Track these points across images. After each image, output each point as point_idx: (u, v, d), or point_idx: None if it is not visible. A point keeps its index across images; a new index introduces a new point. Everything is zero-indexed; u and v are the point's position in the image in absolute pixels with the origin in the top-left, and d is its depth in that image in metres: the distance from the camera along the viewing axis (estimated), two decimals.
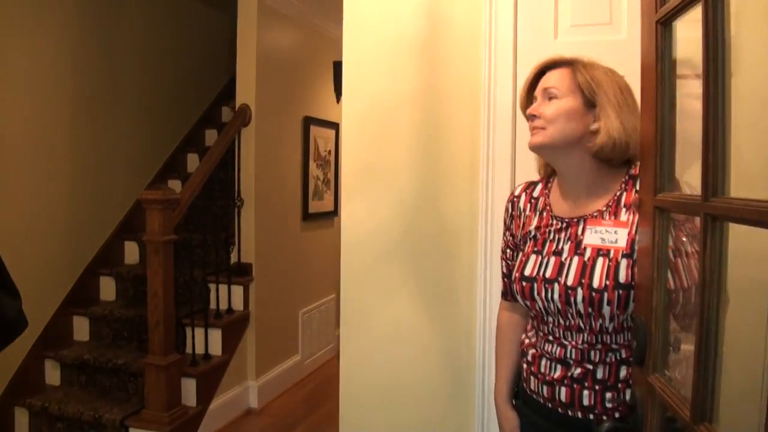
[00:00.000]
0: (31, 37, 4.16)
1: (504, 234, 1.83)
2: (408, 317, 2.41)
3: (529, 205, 1.75)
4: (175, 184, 5.35)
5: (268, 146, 4.61)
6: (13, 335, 1.98)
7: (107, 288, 4.78)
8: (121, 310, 4.43)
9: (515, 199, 1.80)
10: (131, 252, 5.02)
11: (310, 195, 5.21)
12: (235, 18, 4.51)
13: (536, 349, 1.66)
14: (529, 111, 1.66)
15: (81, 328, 4.53)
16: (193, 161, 5.69)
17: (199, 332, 4.13)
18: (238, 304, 4.44)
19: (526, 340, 1.73)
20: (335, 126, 5.62)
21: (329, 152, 5.53)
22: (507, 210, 1.82)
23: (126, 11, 5.01)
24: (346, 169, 2.47)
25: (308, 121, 5.14)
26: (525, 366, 1.71)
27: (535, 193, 1.77)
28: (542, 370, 1.62)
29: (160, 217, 3.66)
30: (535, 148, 1.65)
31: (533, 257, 1.64)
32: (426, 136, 2.39)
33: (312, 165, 5.23)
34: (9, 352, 3.92)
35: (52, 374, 4.31)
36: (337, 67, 5.59)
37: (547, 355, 1.61)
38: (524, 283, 1.63)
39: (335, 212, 5.65)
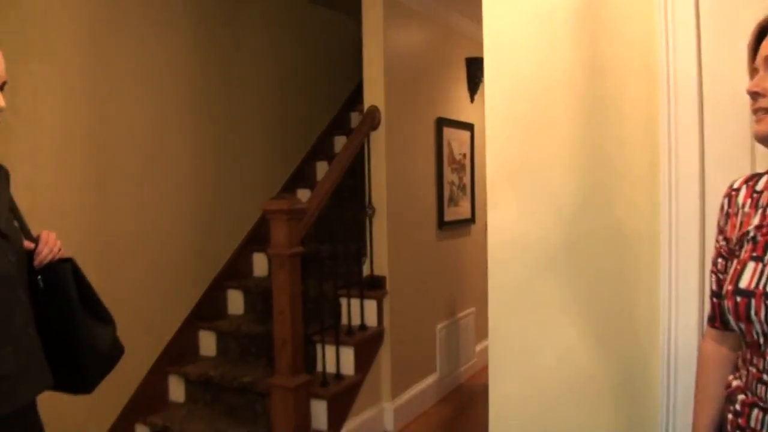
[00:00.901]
0: (152, 47, 4.07)
1: (716, 239, 1.40)
2: (570, 346, 1.98)
3: (749, 201, 1.32)
4: (304, 194, 5.15)
5: (399, 150, 4.30)
6: (110, 365, 1.86)
7: (235, 301, 4.62)
8: (248, 325, 4.24)
9: (733, 193, 1.38)
10: (260, 264, 4.84)
11: (446, 202, 4.86)
12: (360, 20, 4.24)
13: (747, 395, 1.23)
14: (748, 88, 1.24)
15: (207, 342, 4.39)
16: (322, 169, 5.47)
17: (330, 350, 3.86)
18: (371, 320, 4.14)
19: (734, 381, 1.30)
20: (470, 127, 5.25)
21: (464, 155, 5.16)
22: (722, 208, 1.40)
23: (247, 19, 4.87)
24: (492, 172, 2.08)
25: (441, 123, 4.80)
26: (730, 416, 1.27)
27: (759, 186, 1.33)
28: (752, 424, 1.20)
29: (286, 228, 3.41)
30: (763, 139, 1.23)
31: (751, 265, 1.22)
32: (587, 126, 1.96)
33: (447, 169, 4.88)
34: (132, 366, 3.87)
35: (177, 390, 4.18)
36: (470, 63, 5.24)
37: (762, 404, 1.19)
38: (738, 299, 1.20)
39: (472, 219, 5.28)
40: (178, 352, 4.24)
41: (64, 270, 1.77)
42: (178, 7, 4.27)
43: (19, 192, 3.30)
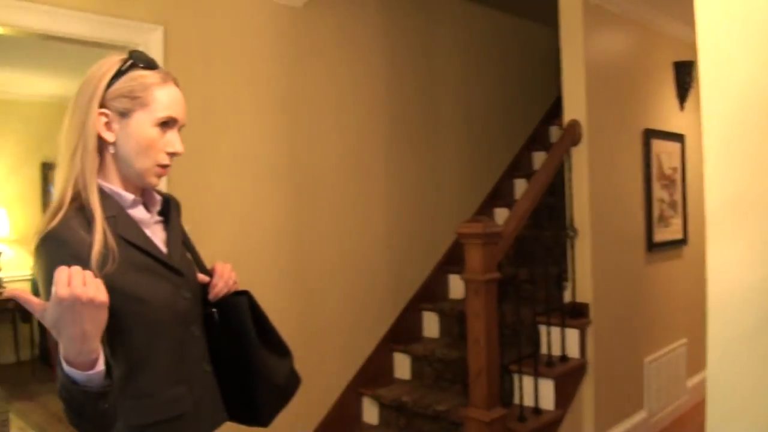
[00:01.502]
0: (342, 69, 4.10)
1: None
2: None
3: None
4: (502, 213, 4.97)
5: (602, 166, 3.99)
6: (286, 398, 1.80)
7: (430, 324, 4.52)
8: (443, 350, 4.10)
9: None
10: (456, 286, 4.71)
11: (655, 221, 4.45)
12: (558, 29, 3.99)
13: None
14: None
15: (402, 365, 4.33)
16: (521, 187, 5.26)
17: (528, 381, 3.62)
18: (572, 350, 3.84)
19: None
20: (680, 138, 4.79)
21: (674, 169, 4.72)
22: None
23: (439, 36, 4.80)
24: (712, 197, 1.72)
25: (649, 135, 4.41)
26: None
27: None
28: None
29: (481, 253, 3.24)
30: None
31: None
32: None
33: (655, 185, 4.47)
34: (327, 386, 3.86)
35: (370, 413, 4.16)
36: (679, 68, 4.79)
37: None
38: None
39: (684, 240, 4.80)
40: (372, 374, 4.21)
41: (240, 303, 1.72)
42: (371, 39, 4.30)
43: (225, 220, 3.46)
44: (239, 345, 1.69)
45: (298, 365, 3.44)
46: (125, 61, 1.47)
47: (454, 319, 4.33)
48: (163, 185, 3.15)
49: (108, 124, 1.45)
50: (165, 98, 1.48)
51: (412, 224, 4.54)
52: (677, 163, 4.75)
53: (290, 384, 1.82)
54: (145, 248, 1.48)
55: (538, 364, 3.63)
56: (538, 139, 5.63)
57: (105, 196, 1.45)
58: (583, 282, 3.88)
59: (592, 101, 3.88)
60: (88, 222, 1.38)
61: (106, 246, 1.36)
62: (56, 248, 1.34)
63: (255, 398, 1.72)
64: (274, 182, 3.74)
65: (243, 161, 3.59)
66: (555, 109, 5.46)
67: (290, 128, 3.81)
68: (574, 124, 3.84)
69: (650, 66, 4.56)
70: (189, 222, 3.26)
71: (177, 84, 1.53)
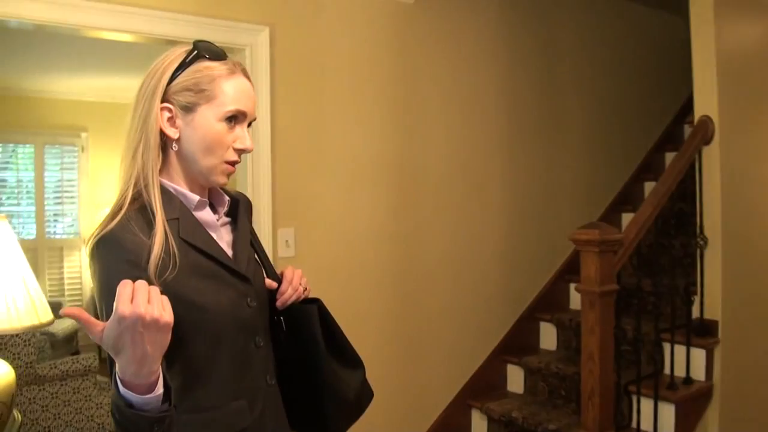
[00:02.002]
0: (453, 66, 3.94)
1: None
2: None
3: None
4: (628, 218, 4.62)
5: (736, 167, 3.60)
6: (357, 412, 1.65)
7: (547, 336, 4.28)
8: (559, 364, 3.85)
9: None
10: (578, 296, 4.39)
11: None
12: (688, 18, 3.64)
13: None
14: None
15: (515, 378, 4.12)
16: (650, 190, 4.87)
17: (647, 404, 3.30)
18: (698, 373, 3.48)
19: None
20: None
21: None
22: None
23: (560, 27, 4.54)
24: None
25: None
26: None
27: None
28: None
29: (597, 262, 2.98)
30: None
31: None
32: None
33: None
34: (434, 397, 3.68)
35: (479, 426, 4.00)
36: None
37: None
38: None
39: None
40: (483, 385, 4.04)
41: (310, 312, 1.57)
42: (485, 34, 4.11)
43: (325, 222, 3.38)
44: (307, 356, 1.56)
45: (401, 373, 3.38)
46: (189, 52, 1.37)
47: (573, 331, 4.06)
48: (252, 185, 3.12)
49: (171, 120, 1.36)
50: (232, 91, 1.37)
51: (530, 229, 4.30)
52: None
53: (362, 398, 1.66)
54: (210, 253, 1.38)
55: (659, 386, 3.31)
56: (670, 139, 5.22)
57: (169, 196, 1.36)
58: (713, 297, 3.51)
59: (725, 96, 3.50)
60: (150, 224, 1.29)
61: (166, 251, 1.26)
62: (112, 252, 1.25)
63: (324, 412, 1.59)
64: (378, 183, 3.62)
65: (346, 162, 3.50)
66: (689, 106, 5.05)
67: (396, 128, 3.68)
68: (705, 121, 3.49)
69: None
70: (290, 222, 3.23)
71: (247, 76, 1.43)
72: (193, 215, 1.40)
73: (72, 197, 7.12)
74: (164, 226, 1.29)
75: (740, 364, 3.61)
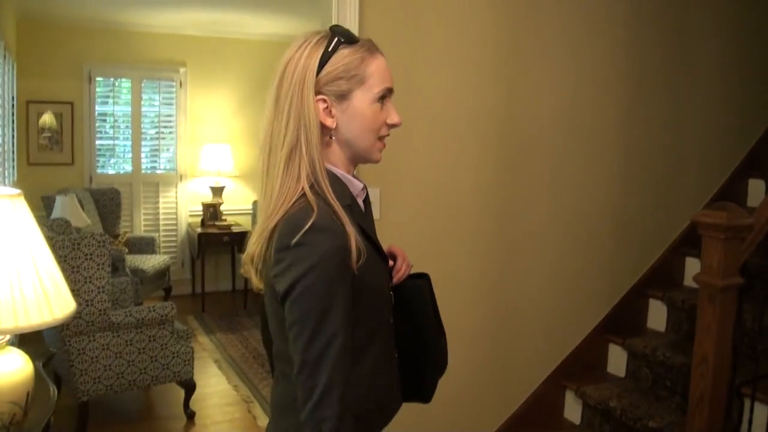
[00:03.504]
0: (564, 13, 3.45)
1: None
2: None
3: None
4: (758, 187, 4.10)
5: None
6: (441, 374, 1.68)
7: (657, 315, 3.83)
8: (667, 350, 3.42)
9: None
10: (695, 272, 3.95)
11: None
12: None
13: None
14: None
15: (616, 360, 3.73)
16: None
17: (761, 410, 2.86)
18: None
19: None
20: None
21: None
22: None
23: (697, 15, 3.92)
24: None
25: None
26: None
27: None
28: None
29: (721, 250, 2.56)
30: None
31: None
32: None
33: None
34: (525, 372, 3.31)
35: (573, 410, 3.65)
36: None
37: None
38: None
39: None
40: (581, 365, 3.68)
41: (422, 286, 1.64)
42: (616, 5, 3.62)
43: (423, 182, 3.07)
44: (416, 327, 1.61)
45: (493, 346, 3.27)
46: (329, 40, 1.37)
47: (686, 313, 3.60)
48: None
49: (327, 110, 1.38)
50: (378, 70, 1.41)
51: (646, 192, 3.80)
52: None
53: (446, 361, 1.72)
54: (371, 236, 1.45)
55: None
56: None
57: (339, 184, 1.41)
58: None
59: None
60: (331, 213, 1.31)
61: (356, 238, 1.30)
62: (327, 239, 1.26)
63: (425, 381, 1.65)
64: (475, 140, 3.24)
65: (440, 114, 3.13)
66: None
67: (498, 77, 3.26)
68: None
69: None
70: (376, 181, 2.94)
71: (380, 51, 1.44)
72: (357, 201, 1.46)
73: (170, 133, 7.05)
74: (347, 215, 1.32)
75: None
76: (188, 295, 7.10)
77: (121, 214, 6.49)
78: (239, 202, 7.20)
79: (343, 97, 1.37)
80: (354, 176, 1.48)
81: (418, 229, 3.13)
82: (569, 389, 3.63)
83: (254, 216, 6.71)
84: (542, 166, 3.44)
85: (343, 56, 1.36)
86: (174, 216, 7.09)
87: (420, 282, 1.64)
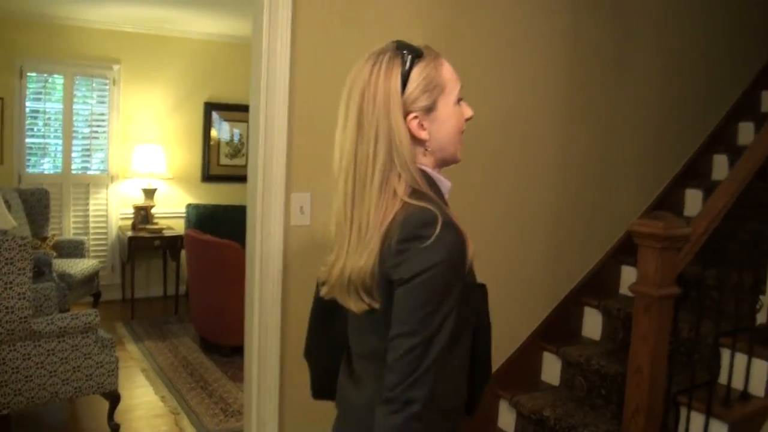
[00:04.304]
0: (507, 15, 3.41)
1: None
2: None
3: None
4: (694, 196, 4.15)
5: None
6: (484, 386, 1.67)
7: (592, 323, 3.84)
8: (602, 360, 3.41)
9: None
10: (630, 280, 3.95)
11: None
12: None
13: None
14: None
15: (551, 368, 3.73)
16: (720, 165, 4.36)
17: (697, 420, 2.88)
18: (757, 387, 3.02)
19: None
20: None
21: None
22: None
23: None
24: None
25: None
26: None
27: None
28: None
29: (657, 260, 2.56)
30: None
31: None
32: None
33: None
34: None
35: (507, 418, 3.62)
36: None
37: None
38: None
39: None
40: (516, 374, 3.65)
41: (483, 294, 1.59)
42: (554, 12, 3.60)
43: None
44: (475, 335, 1.56)
45: None
46: (403, 58, 1.41)
47: (621, 322, 3.61)
48: (264, 141, 2.75)
49: (419, 124, 1.42)
50: (450, 74, 1.48)
51: (582, 201, 3.82)
52: None
53: None
54: None
55: (712, 401, 2.86)
56: (745, 107, 4.66)
57: (436, 188, 1.47)
58: None
59: None
60: None
61: None
62: (454, 234, 1.33)
63: (474, 387, 1.60)
64: None
65: None
66: None
67: None
68: None
69: None
70: (307, 185, 2.84)
71: (439, 52, 1.49)
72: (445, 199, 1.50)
73: (104, 132, 6.81)
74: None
75: None
76: (118, 300, 6.87)
77: (50, 216, 6.23)
78: (172, 205, 7.01)
79: (430, 109, 1.43)
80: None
81: None
82: (503, 398, 3.60)
83: (188, 220, 6.55)
84: (476, 171, 3.38)
85: (421, 71, 1.41)
86: (104, 219, 6.85)
87: (485, 289, 1.60)
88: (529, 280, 3.67)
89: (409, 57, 1.41)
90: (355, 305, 1.42)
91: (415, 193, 1.37)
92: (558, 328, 3.76)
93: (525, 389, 3.58)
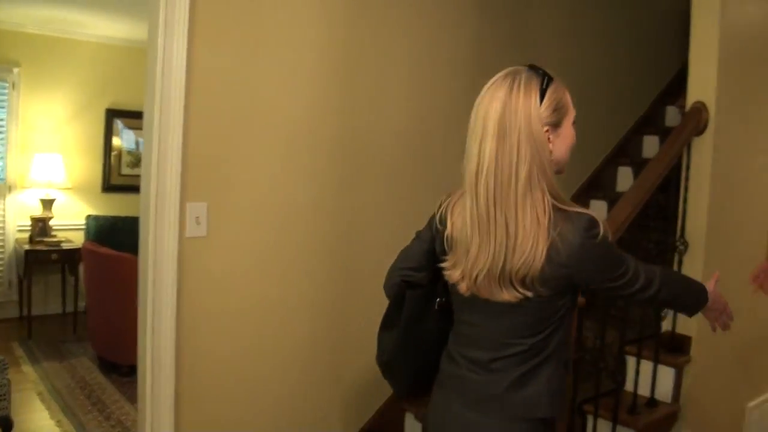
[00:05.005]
0: (413, 24, 3.38)
1: None
2: None
3: None
4: (599, 207, 4.19)
5: (730, 165, 3.15)
6: None
7: None
8: None
9: None
10: None
11: None
12: None
13: None
14: None
15: None
16: (624, 176, 4.44)
17: (604, 427, 2.87)
18: (664, 393, 3.05)
19: None
20: None
21: None
22: None
23: None
24: None
25: None
26: None
27: None
28: None
29: None
30: None
31: None
32: None
33: None
34: (367, 394, 3.40)
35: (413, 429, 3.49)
36: None
37: None
38: None
39: None
40: (421, 387, 3.51)
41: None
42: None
43: (249, 194, 2.84)
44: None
45: (330, 369, 3.38)
46: (541, 79, 1.59)
47: None
48: (158, 147, 2.60)
49: (548, 138, 1.58)
50: (570, 99, 1.67)
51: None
52: None
53: None
54: None
55: (619, 408, 2.87)
56: (650, 121, 4.75)
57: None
58: None
59: (724, 81, 3.03)
60: None
61: None
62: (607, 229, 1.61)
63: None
64: (318, 153, 3.10)
65: (278, 126, 2.95)
66: (674, 86, 4.59)
67: (342, 89, 3.13)
68: (700, 108, 3.00)
69: None
70: (203, 195, 2.72)
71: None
72: None
73: (1, 139, 6.43)
74: None
75: (710, 383, 3.22)
76: (15, 318, 6.47)
77: None
78: (71, 217, 6.66)
79: (557, 125, 1.60)
80: None
81: (250, 250, 2.91)
82: (408, 412, 3.49)
83: (87, 232, 6.26)
84: (381, 188, 3.31)
85: (553, 91, 1.59)
86: (1, 231, 6.47)
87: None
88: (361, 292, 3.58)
89: (545, 78, 1.58)
90: (509, 295, 1.59)
91: (553, 195, 1.57)
92: None
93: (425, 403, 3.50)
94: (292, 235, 3.04)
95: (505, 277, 1.58)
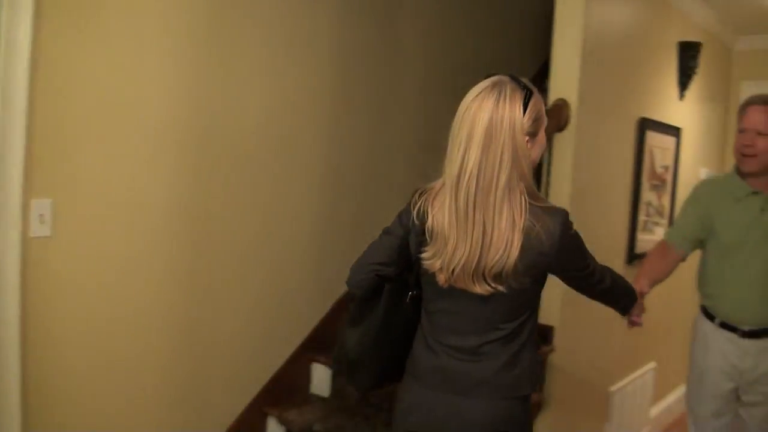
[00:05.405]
0: (276, 16, 3.21)
1: None
2: None
3: None
4: None
5: (589, 159, 3.24)
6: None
7: None
8: None
9: None
10: None
11: (639, 228, 3.75)
12: None
13: None
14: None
15: (320, 379, 3.57)
16: None
17: None
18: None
19: None
20: (676, 132, 4.11)
21: (666, 168, 4.01)
22: None
23: None
24: None
25: (644, 125, 3.69)
26: None
27: None
28: None
29: None
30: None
31: None
32: None
33: (645, 185, 3.77)
34: (224, 403, 3.26)
35: None
36: (684, 50, 4.09)
37: None
38: None
39: None
40: (283, 389, 3.42)
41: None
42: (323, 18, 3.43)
43: (97, 194, 2.59)
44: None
45: (187, 379, 3.01)
46: (522, 91, 1.67)
47: None
48: None
49: (528, 146, 1.69)
50: (544, 108, 1.78)
51: (351, 215, 3.69)
52: (670, 161, 4.05)
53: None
54: None
55: None
56: None
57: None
58: (551, 300, 3.06)
59: (586, 80, 3.11)
60: None
61: None
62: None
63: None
64: (175, 148, 2.82)
65: (132, 116, 2.65)
66: (538, 80, 4.70)
67: (198, 78, 2.89)
68: (562, 106, 3.06)
69: (654, 44, 3.83)
70: (48, 191, 2.45)
71: None
72: None
73: None
74: None
75: (573, 369, 3.31)
76: None
77: None
78: None
79: (534, 134, 1.71)
80: None
81: (100, 251, 2.62)
82: (271, 416, 3.36)
83: None
84: (240, 184, 3.12)
85: (534, 103, 1.69)
86: None
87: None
88: (292, 296, 3.46)
89: (527, 91, 1.67)
90: (481, 289, 1.69)
91: (530, 195, 1.68)
92: (325, 339, 3.56)
93: (294, 404, 3.38)
94: (147, 234, 2.76)
95: (479, 273, 1.67)
